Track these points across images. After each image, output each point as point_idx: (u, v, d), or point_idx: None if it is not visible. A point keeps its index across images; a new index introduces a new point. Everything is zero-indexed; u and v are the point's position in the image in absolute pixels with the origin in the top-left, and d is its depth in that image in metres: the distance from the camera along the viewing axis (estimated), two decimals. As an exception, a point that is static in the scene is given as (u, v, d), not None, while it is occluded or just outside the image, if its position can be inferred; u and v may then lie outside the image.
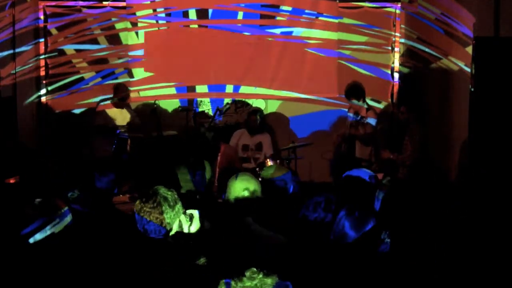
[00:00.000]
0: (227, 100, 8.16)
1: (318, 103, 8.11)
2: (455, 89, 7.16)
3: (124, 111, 7.53)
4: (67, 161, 6.77)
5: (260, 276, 2.13)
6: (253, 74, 8.08)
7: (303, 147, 7.26)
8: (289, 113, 8.21)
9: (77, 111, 8.01)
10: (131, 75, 8.04)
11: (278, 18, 8.05)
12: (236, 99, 8.17)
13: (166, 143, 7.35)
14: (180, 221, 3.00)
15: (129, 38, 7.97)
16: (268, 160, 6.54)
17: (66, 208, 2.96)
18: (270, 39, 8.02)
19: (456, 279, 2.85)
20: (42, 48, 7.88)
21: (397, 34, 8.01)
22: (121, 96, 7.44)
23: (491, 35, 6.22)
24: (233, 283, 2.13)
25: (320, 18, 8.01)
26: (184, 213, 3.06)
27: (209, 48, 8.00)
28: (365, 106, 6.95)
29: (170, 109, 8.09)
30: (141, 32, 8.00)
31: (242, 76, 8.10)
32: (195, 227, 3.10)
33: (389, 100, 8.09)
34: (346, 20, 8.01)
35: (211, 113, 8.04)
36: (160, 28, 8.07)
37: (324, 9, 7.99)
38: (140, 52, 8.01)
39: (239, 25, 8.05)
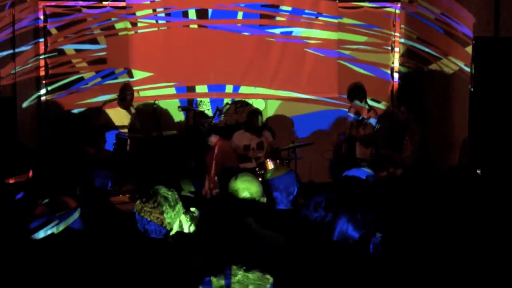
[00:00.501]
0: (227, 100, 8.15)
1: (318, 103, 8.11)
2: (455, 89, 7.16)
3: (124, 111, 7.53)
4: (67, 161, 6.77)
5: (241, 272, 2.13)
6: (253, 74, 8.08)
7: (303, 147, 7.26)
8: (289, 113, 8.21)
9: (76, 111, 8.01)
10: (131, 75, 8.04)
11: (278, 18, 8.05)
12: (236, 99, 8.17)
13: (166, 143, 7.35)
14: (180, 221, 3.00)
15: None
16: (268, 160, 6.53)
17: (75, 206, 2.97)
18: (270, 39, 8.03)
19: (456, 279, 2.85)
20: (42, 48, 7.87)
21: (397, 34, 8.01)
22: (126, 97, 7.42)
23: (491, 35, 6.23)
24: (214, 280, 2.12)
25: (320, 18, 8.01)
26: (185, 213, 3.06)
27: (209, 48, 8.00)
28: (367, 106, 6.96)
29: (170, 109, 8.08)
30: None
31: (242, 76, 8.10)
32: (194, 226, 3.11)
33: (389, 100, 8.09)
34: (346, 20, 8.02)
35: (211, 113, 8.04)
36: (160, 28, 8.07)
37: (324, 9, 7.99)
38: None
39: (239, 25, 8.05)
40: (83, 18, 7.91)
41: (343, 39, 8.04)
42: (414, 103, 6.79)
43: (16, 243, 3.03)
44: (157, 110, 7.47)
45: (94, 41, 7.99)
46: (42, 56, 7.88)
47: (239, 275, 2.12)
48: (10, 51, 7.51)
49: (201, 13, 8.04)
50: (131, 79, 7.99)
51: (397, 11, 7.99)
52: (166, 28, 8.06)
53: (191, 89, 8.15)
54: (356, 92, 6.93)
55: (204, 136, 6.57)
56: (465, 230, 3.44)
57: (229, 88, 8.16)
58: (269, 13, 8.04)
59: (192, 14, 8.05)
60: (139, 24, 7.99)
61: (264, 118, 7.81)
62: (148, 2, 7.99)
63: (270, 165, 6.39)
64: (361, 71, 8.07)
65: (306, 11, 7.99)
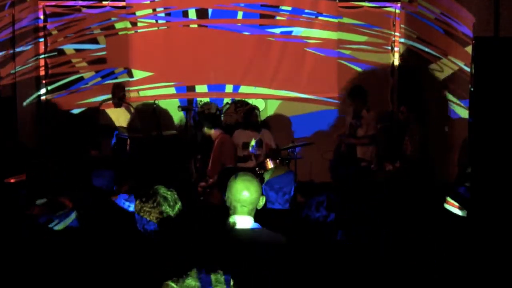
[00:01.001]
0: (226, 100, 8.15)
1: (318, 103, 8.11)
2: (455, 89, 7.16)
3: (123, 111, 7.53)
4: (67, 161, 6.77)
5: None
6: (253, 74, 8.08)
7: (303, 146, 7.25)
8: (289, 112, 8.21)
9: (76, 111, 8.00)
10: (130, 75, 8.03)
11: (278, 18, 8.05)
12: (236, 99, 8.16)
13: (166, 143, 7.35)
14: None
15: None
16: (268, 160, 6.53)
17: (71, 207, 2.97)
18: (270, 39, 8.03)
19: (456, 279, 2.84)
20: (41, 47, 7.87)
21: (397, 33, 8.01)
22: (118, 96, 7.42)
23: (491, 35, 6.22)
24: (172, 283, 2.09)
25: (320, 17, 8.01)
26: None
27: (209, 48, 8.00)
28: (366, 107, 6.97)
29: (170, 109, 8.08)
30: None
31: (242, 76, 8.10)
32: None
33: (389, 100, 8.09)
34: (346, 20, 8.01)
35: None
36: (160, 28, 8.07)
37: (324, 9, 7.99)
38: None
39: (239, 25, 8.05)
40: (83, 18, 7.91)
41: (343, 39, 8.04)
42: (414, 103, 6.79)
43: (16, 243, 3.02)
44: (157, 110, 7.47)
45: (94, 41, 8.00)
46: (42, 56, 7.89)
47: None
48: (10, 51, 7.51)
49: (201, 13, 8.04)
50: (131, 79, 8.00)
51: (397, 11, 7.99)
52: (166, 28, 8.06)
53: (191, 89, 8.15)
54: (356, 92, 6.94)
55: (203, 125, 6.52)
56: (465, 230, 3.44)
57: (229, 88, 8.16)
58: (269, 13, 8.03)
59: (192, 14, 8.05)
60: (139, 24, 7.99)
61: (264, 118, 7.81)
62: (148, 2, 7.99)
63: (270, 164, 6.38)
64: (361, 71, 8.07)
65: (306, 10, 7.99)
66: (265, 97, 8.16)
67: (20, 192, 4.00)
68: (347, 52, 8.08)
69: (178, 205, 2.95)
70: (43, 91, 7.94)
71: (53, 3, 7.86)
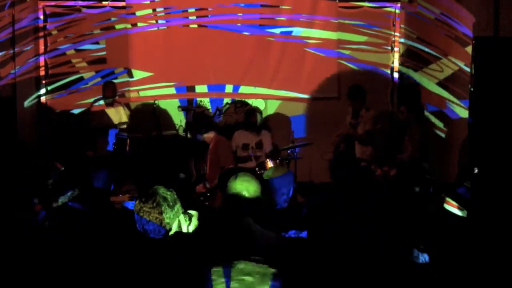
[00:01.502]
0: (226, 100, 8.15)
1: (318, 103, 8.11)
2: (455, 89, 7.16)
3: (121, 110, 7.53)
4: (67, 161, 6.77)
5: (243, 262, 2.12)
6: (253, 74, 8.08)
7: (303, 147, 7.25)
8: (289, 113, 8.21)
9: (76, 111, 8.01)
10: (130, 75, 8.03)
11: (277, 18, 8.05)
12: (236, 99, 8.17)
13: (166, 143, 7.35)
14: (179, 221, 3.00)
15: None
16: (268, 160, 6.53)
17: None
18: (270, 39, 8.03)
19: (456, 279, 2.85)
20: (41, 47, 7.87)
21: (397, 34, 8.01)
22: (109, 95, 7.41)
23: (491, 35, 6.22)
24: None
25: (320, 17, 8.00)
26: (184, 213, 3.06)
27: (209, 48, 8.00)
28: (365, 107, 6.97)
29: (170, 109, 8.08)
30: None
31: (242, 76, 8.10)
32: (193, 227, 3.10)
33: (389, 100, 8.09)
34: (345, 20, 8.01)
35: (210, 113, 8.04)
36: (160, 28, 8.07)
37: (324, 9, 7.98)
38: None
39: (239, 25, 8.05)
40: (83, 18, 7.91)
41: (343, 39, 8.04)
42: (414, 103, 6.78)
43: (16, 243, 3.03)
44: (157, 110, 7.47)
45: (94, 41, 7.99)
46: (42, 56, 7.88)
47: (241, 263, 2.12)
48: (10, 51, 7.51)
49: (201, 13, 8.04)
50: (131, 79, 8.00)
51: (397, 11, 7.99)
52: (166, 28, 8.06)
53: (191, 89, 8.15)
54: (355, 92, 6.94)
55: (202, 131, 6.55)
56: (465, 230, 3.44)
57: (229, 88, 8.16)
58: (269, 13, 8.03)
59: (192, 14, 8.05)
60: (139, 24, 7.99)
61: (264, 118, 7.80)
62: (148, 2, 7.99)
63: (270, 164, 6.38)
64: (361, 71, 8.07)
65: (306, 11, 7.99)
66: (265, 97, 8.16)
67: (20, 192, 4.01)
68: (347, 52, 8.08)
69: (178, 205, 2.95)
70: (43, 91, 7.94)
71: (53, 3, 7.86)
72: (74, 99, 7.99)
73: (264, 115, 7.95)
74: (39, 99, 7.95)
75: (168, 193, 2.94)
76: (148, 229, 2.87)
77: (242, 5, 8.00)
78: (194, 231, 3.10)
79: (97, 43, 8.00)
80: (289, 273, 2.68)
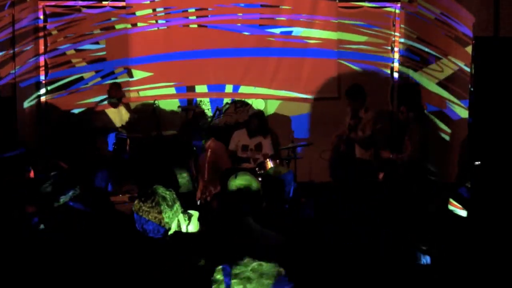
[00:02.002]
0: (226, 100, 8.15)
1: (317, 103, 8.11)
2: (455, 89, 7.16)
3: (122, 111, 7.53)
4: (67, 161, 6.77)
5: (255, 262, 2.13)
6: (253, 74, 8.08)
7: (302, 147, 7.25)
8: (289, 113, 8.21)
9: (76, 111, 8.01)
10: (130, 75, 8.04)
11: (277, 18, 8.05)
12: (236, 99, 8.17)
13: (166, 143, 7.34)
14: (178, 220, 3.00)
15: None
16: (268, 160, 6.53)
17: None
18: (270, 39, 8.03)
19: (456, 279, 2.84)
20: (41, 47, 7.87)
21: (397, 34, 8.01)
22: (116, 96, 7.42)
23: (491, 35, 6.22)
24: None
25: (320, 17, 8.00)
26: (183, 212, 3.06)
27: (209, 48, 8.00)
28: (365, 107, 6.96)
29: (170, 109, 8.07)
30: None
31: (242, 76, 8.10)
32: (193, 227, 3.10)
33: (389, 100, 8.09)
34: (345, 20, 8.01)
35: (210, 113, 8.04)
36: (160, 27, 8.07)
37: (324, 9, 7.98)
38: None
39: (239, 25, 8.05)
40: (83, 18, 7.91)
41: (343, 39, 8.04)
42: (414, 103, 6.77)
43: (16, 243, 3.02)
44: (157, 110, 7.47)
45: (94, 41, 7.99)
46: (42, 56, 7.88)
47: (253, 264, 2.12)
48: (10, 51, 7.51)
49: (201, 13, 8.04)
50: (131, 79, 8.00)
51: (397, 11, 8.00)
52: (166, 27, 8.06)
53: (191, 89, 8.15)
54: (354, 92, 6.93)
55: (202, 137, 6.55)
56: (464, 229, 3.44)
57: (229, 88, 8.16)
58: (269, 13, 8.03)
59: (192, 14, 8.05)
60: (139, 24, 7.99)
61: (266, 120, 7.76)
62: (148, 2, 7.99)
63: (269, 164, 6.38)
64: (361, 71, 8.07)
65: (306, 11, 7.99)
66: (265, 97, 8.16)
67: (20, 192, 4.01)
68: (347, 52, 8.08)
69: (177, 205, 2.95)
70: (43, 91, 7.94)
71: (53, 3, 7.86)
72: (74, 99, 7.99)
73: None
74: (39, 99, 7.95)
75: (167, 192, 2.94)
76: (147, 228, 2.87)
77: (242, 5, 8.00)
78: (195, 232, 3.10)
79: (97, 43, 8.00)
80: (289, 273, 2.68)
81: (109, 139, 7.29)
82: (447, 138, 7.32)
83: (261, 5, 8.01)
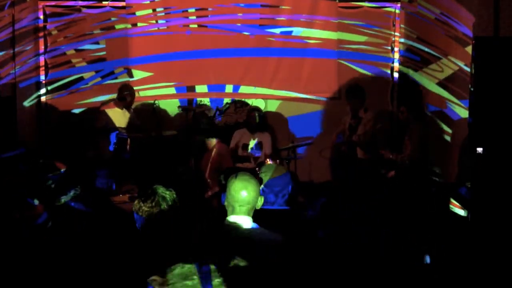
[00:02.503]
0: (226, 100, 8.15)
1: (318, 103, 8.11)
2: (455, 89, 7.16)
3: (126, 111, 7.53)
4: (68, 161, 6.76)
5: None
6: (253, 74, 8.08)
7: (302, 146, 7.24)
8: (289, 113, 8.21)
9: (76, 111, 8.01)
10: (131, 75, 8.04)
11: (277, 18, 8.05)
12: (236, 99, 8.16)
13: (166, 143, 7.34)
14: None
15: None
16: (268, 160, 6.53)
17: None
18: (270, 39, 8.03)
19: (456, 279, 2.84)
20: (41, 47, 7.87)
21: (397, 33, 8.01)
22: (124, 97, 7.40)
23: (491, 35, 6.22)
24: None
25: (320, 17, 8.00)
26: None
27: (209, 48, 8.00)
28: (364, 107, 6.97)
29: (170, 109, 8.08)
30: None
31: (242, 76, 8.10)
32: None
33: (389, 100, 8.09)
34: (345, 20, 8.01)
35: (211, 113, 8.04)
36: (160, 27, 8.07)
37: (324, 9, 7.98)
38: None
39: (239, 25, 8.05)
40: (83, 18, 7.91)
41: (343, 39, 8.04)
42: (414, 103, 6.78)
43: (16, 243, 3.02)
44: (157, 110, 7.47)
45: (94, 41, 7.99)
46: (42, 56, 7.88)
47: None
48: (10, 51, 7.51)
49: (201, 13, 8.04)
50: (131, 79, 8.00)
51: (397, 11, 7.99)
52: (166, 27, 8.06)
53: (191, 89, 8.15)
54: (354, 92, 6.93)
55: (204, 134, 6.55)
56: (465, 229, 3.44)
57: (229, 88, 8.16)
58: (269, 13, 8.03)
59: (192, 14, 8.05)
60: (139, 24, 7.99)
61: (264, 117, 7.78)
62: (148, 2, 7.99)
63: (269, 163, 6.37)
64: (361, 71, 8.07)
65: (306, 11, 7.99)
66: (265, 97, 8.16)
67: (20, 192, 4.00)
68: (347, 52, 8.07)
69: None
70: (43, 91, 7.94)
71: (53, 3, 7.86)
72: (74, 99, 7.99)
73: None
74: (39, 99, 7.95)
75: (167, 192, 2.94)
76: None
77: (242, 5, 8.00)
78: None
79: (97, 43, 8.00)
80: (289, 273, 2.68)
81: (111, 139, 7.28)
82: (447, 138, 7.32)
83: (261, 5, 8.01)
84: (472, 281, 2.87)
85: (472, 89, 5.65)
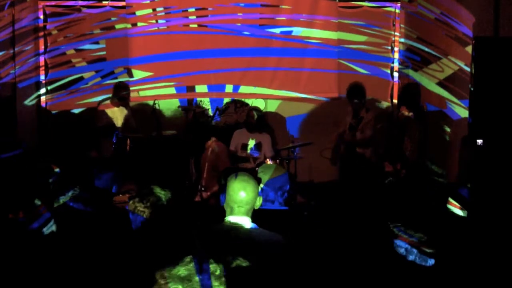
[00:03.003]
0: (226, 100, 8.15)
1: (318, 103, 8.11)
2: (455, 89, 7.16)
3: (124, 110, 7.52)
4: (68, 161, 6.76)
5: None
6: (253, 74, 8.08)
7: (302, 147, 7.24)
8: (289, 113, 8.21)
9: (76, 111, 8.01)
10: (130, 75, 8.04)
11: (277, 17, 8.05)
12: (236, 99, 8.17)
13: (166, 143, 7.34)
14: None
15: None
16: (267, 160, 6.53)
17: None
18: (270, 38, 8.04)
19: (456, 279, 2.84)
20: (41, 47, 7.87)
21: (397, 33, 8.01)
22: (120, 95, 7.40)
23: (491, 35, 6.23)
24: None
25: (320, 17, 8.00)
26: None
27: (209, 48, 8.00)
28: (365, 107, 6.97)
29: (170, 109, 8.07)
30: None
31: (242, 76, 8.10)
32: None
33: (389, 100, 8.09)
34: (345, 20, 8.01)
35: (210, 113, 8.04)
36: (160, 27, 8.07)
37: (324, 8, 7.98)
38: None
39: (239, 25, 8.05)
40: (83, 18, 7.91)
41: (343, 38, 8.04)
42: (414, 103, 6.78)
43: (15, 242, 3.02)
44: (157, 110, 7.47)
45: (94, 41, 8.00)
46: (42, 56, 7.88)
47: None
48: (10, 51, 7.51)
49: (201, 13, 8.04)
50: (131, 79, 8.00)
51: (397, 11, 7.99)
52: (166, 27, 8.06)
53: (191, 89, 8.15)
54: (355, 91, 6.93)
55: (203, 134, 6.56)
56: (465, 229, 3.44)
57: (229, 88, 8.16)
58: (269, 13, 8.03)
59: (192, 13, 8.05)
60: (139, 24, 8.00)
61: (263, 117, 7.77)
62: (148, 2, 7.99)
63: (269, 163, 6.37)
64: (361, 71, 8.07)
65: (306, 10, 7.99)
66: (265, 97, 8.16)
67: (20, 191, 4.00)
68: (347, 52, 8.08)
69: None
70: (43, 91, 7.94)
71: (53, 3, 7.86)
72: (74, 99, 7.99)
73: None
74: (39, 99, 7.95)
75: (163, 192, 2.94)
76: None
77: (242, 5, 8.00)
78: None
79: (97, 43, 8.01)
80: (289, 272, 2.68)
81: (113, 139, 7.27)
82: (447, 138, 7.33)
83: (261, 5, 8.02)
84: (472, 281, 2.87)
85: (472, 89, 5.66)
